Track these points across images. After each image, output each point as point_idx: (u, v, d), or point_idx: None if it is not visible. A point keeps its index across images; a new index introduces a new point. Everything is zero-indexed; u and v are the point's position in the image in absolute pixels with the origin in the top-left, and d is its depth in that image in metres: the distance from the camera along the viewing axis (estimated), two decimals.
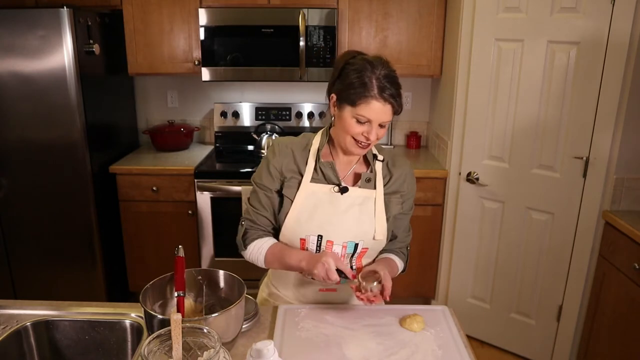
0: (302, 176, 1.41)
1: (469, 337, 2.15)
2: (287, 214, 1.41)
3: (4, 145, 2.57)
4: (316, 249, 1.42)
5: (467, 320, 2.72)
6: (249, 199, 1.50)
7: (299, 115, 3.21)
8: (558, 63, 2.23)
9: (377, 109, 1.28)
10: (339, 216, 1.39)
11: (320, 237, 1.40)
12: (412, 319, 1.33)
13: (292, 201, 1.40)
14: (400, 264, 1.53)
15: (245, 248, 1.46)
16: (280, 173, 1.42)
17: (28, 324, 1.31)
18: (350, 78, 1.29)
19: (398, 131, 3.36)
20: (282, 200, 1.43)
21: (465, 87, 2.54)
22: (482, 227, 2.63)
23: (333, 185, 1.40)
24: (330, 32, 2.80)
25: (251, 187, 1.49)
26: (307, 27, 2.78)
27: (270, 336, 1.29)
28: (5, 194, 2.65)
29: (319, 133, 1.46)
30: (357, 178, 1.44)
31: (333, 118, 1.38)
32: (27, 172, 2.61)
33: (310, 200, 1.40)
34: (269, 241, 1.45)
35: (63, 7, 2.39)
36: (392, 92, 1.28)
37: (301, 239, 1.42)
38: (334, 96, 1.35)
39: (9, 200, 2.66)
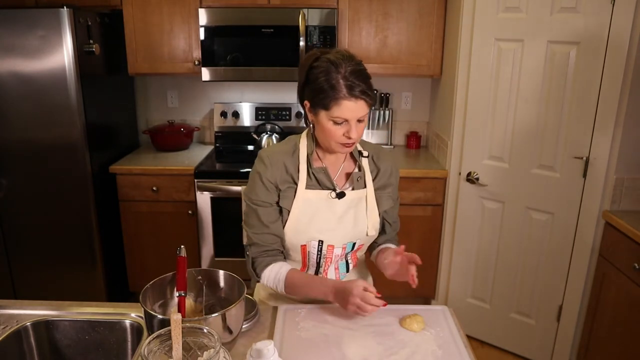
0: (296, 184, 1.39)
1: (469, 337, 2.15)
2: (285, 224, 1.40)
3: (4, 145, 2.57)
4: (317, 253, 1.43)
5: (467, 320, 2.73)
6: (244, 221, 1.46)
7: (299, 115, 3.21)
8: (558, 63, 2.23)
9: (350, 108, 1.26)
10: (337, 221, 1.40)
11: (321, 242, 1.41)
12: (412, 319, 1.33)
13: (290, 211, 1.40)
14: None
15: (259, 277, 1.43)
16: (275, 186, 1.39)
17: (28, 324, 1.31)
18: (318, 83, 1.27)
19: (398, 131, 3.36)
20: (280, 211, 1.42)
21: (465, 87, 2.54)
22: (482, 227, 2.63)
23: (330, 191, 1.40)
24: (330, 32, 2.80)
25: None
26: (307, 27, 2.78)
27: (270, 336, 1.29)
28: (5, 194, 2.65)
29: (304, 136, 1.44)
30: (347, 177, 1.45)
31: (312, 124, 1.37)
32: (27, 172, 2.62)
33: (307, 207, 1.39)
34: (283, 267, 1.40)
35: (63, 7, 2.39)
36: (361, 88, 1.26)
37: (302, 246, 1.42)
38: (307, 103, 1.34)
39: (9, 200, 2.66)
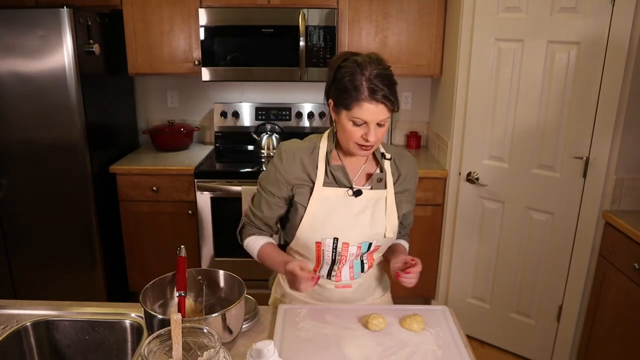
0: (313, 182, 1.41)
1: (469, 337, 2.15)
2: (301, 219, 1.42)
3: (4, 145, 2.57)
4: (332, 251, 1.43)
5: (467, 320, 2.72)
6: (253, 196, 1.53)
7: (299, 115, 3.21)
8: (558, 63, 2.23)
9: (370, 110, 1.28)
10: (354, 218, 1.41)
11: (336, 239, 1.42)
12: (412, 319, 1.33)
13: (306, 207, 1.41)
14: (407, 247, 1.64)
15: (242, 242, 1.56)
16: (287, 182, 1.42)
17: (28, 324, 1.31)
18: (343, 83, 1.30)
19: (398, 131, 3.37)
20: (294, 206, 1.44)
21: (465, 87, 2.54)
22: (482, 227, 2.63)
23: (347, 189, 1.41)
24: (330, 32, 2.80)
25: (252, 187, 1.51)
26: (307, 27, 2.78)
27: (270, 336, 1.29)
28: (5, 194, 2.65)
29: (325, 135, 1.46)
30: (368, 178, 1.46)
31: (334, 123, 1.40)
32: (27, 172, 2.61)
33: (325, 204, 1.41)
34: (261, 240, 1.51)
35: (63, 7, 2.39)
36: (384, 93, 1.27)
37: (317, 243, 1.43)
38: (331, 102, 1.37)
39: (9, 200, 2.66)
